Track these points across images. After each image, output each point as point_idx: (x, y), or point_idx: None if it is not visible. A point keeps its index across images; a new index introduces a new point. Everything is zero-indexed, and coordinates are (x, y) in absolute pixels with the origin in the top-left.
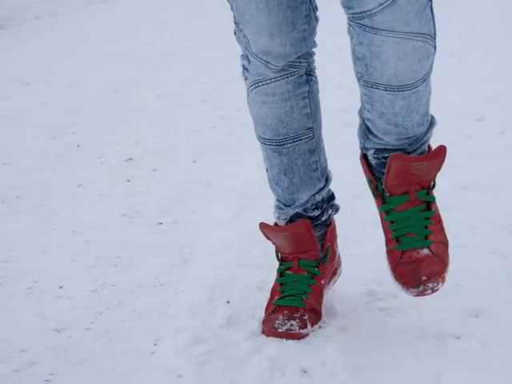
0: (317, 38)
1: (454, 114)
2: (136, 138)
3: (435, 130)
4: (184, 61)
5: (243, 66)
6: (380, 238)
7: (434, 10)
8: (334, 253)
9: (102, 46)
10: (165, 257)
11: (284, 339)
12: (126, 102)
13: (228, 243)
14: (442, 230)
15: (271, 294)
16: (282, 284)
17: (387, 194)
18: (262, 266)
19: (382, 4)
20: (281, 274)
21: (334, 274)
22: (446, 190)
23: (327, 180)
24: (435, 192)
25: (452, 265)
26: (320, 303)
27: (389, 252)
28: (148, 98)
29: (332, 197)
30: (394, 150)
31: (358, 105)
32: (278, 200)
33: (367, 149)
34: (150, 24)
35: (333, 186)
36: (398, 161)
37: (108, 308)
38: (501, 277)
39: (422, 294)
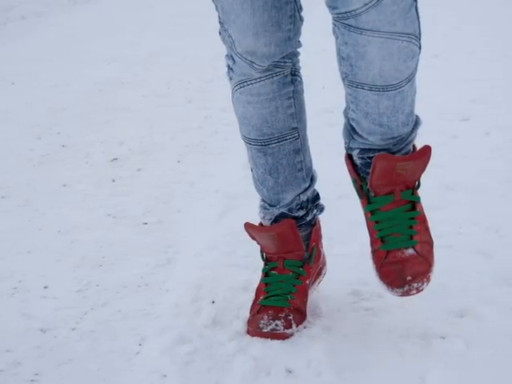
0: (302, 38)
1: (439, 114)
2: (121, 137)
3: (420, 130)
4: (169, 61)
5: (228, 66)
6: (365, 238)
7: (419, 10)
8: (319, 253)
9: (87, 46)
10: (150, 257)
11: (269, 339)
12: (112, 101)
13: (213, 243)
14: (426, 230)
15: (256, 294)
16: (266, 284)
17: (372, 194)
18: (246, 266)
19: (366, 4)
20: (266, 274)
21: (319, 274)
22: (431, 190)
23: (312, 180)
24: (420, 192)
25: (437, 265)
26: (305, 303)
27: (374, 252)
28: (133, 98)
29: (317, 197)
30: (379, 150)
31: (343, 105)
32: (262, 200)
33: (352, 149)
34: (135, 24)
35: (318, 186)
36: (383, 161)
37: (93, 308)
38: (486, 277)
39: (406, 294)
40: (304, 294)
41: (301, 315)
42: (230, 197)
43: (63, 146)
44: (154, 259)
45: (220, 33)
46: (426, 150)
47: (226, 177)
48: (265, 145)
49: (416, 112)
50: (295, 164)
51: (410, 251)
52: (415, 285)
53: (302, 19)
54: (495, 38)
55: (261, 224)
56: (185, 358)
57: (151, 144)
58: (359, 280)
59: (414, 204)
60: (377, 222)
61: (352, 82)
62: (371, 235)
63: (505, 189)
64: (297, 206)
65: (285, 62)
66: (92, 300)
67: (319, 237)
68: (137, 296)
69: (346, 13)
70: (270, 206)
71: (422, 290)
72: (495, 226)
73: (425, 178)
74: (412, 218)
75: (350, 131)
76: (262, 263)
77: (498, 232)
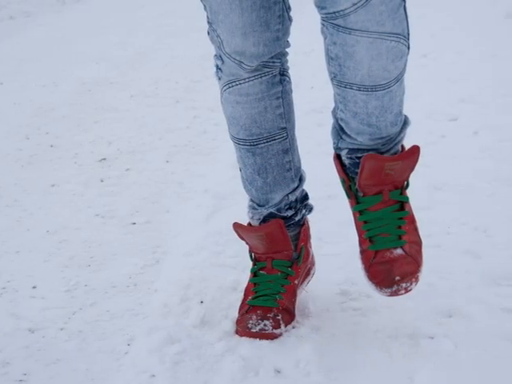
0: (290, 38)
1: (428, 114)
2: (109, 137)
3: (409, 130)
4: (157, 61)
5: (217, 66)
6: (354, 238)
7: (408, 10)
8: (308, 253)
9: (75, 46)
10: (138, 257)
11: (257, 339)
12: (100, 102)
13: (201, 243)
14: (415, 230)
15: (245, 294)
16: (255, 284)
17: (361, 194)
18: (235, 266)
19: (355, 4)
20: (254, 274)
21: (308, 274)
22: (419, 190)
23: (301, 180)
24: (409, 192)
25: (425, 265)
26: (293, 303)
27: (362, 252)
28: (122, 98)
29: (306, 197)
30: (368, 150)
31: (332, 105)
32: (251, 200)
33: (341, 149)
34: (124, 24)
35: (306, 186)
36: (372, 161)
37: (81, 308)
38: (474, 277)
39: (395, 294)
40: (293, 294)
41: (289, 315)
42: (219, 197)
43: (52, 146)
44: (143, 259)
45: (208, 33)
46: (415, 150)
47: (215, 177)
48: (253, 145)
49: (405, 112)
50: (284, 164)
51: (399, 251)
52: (404, 285)
53: (290, 19)
54: (484, 38)
55: (249, 224)
56: (173, 358)
57: (140, 144)
58: (348, 280)
59: (402, 204)
60: (365, 222)
61: (340, 82)
62: (360, 235)
63: (493, 189)
64: (285, 206)
65: (273, 62)
66: (80, 300)
67: (308, 237)
68: (125, 296)
69: (334, 13)
70: (259, 205)
71: (410, 290)
72: (483, 226)
73: (413, 178)
74: (400, 218)
75: (339, 131)
76: (250, 263)
77: (486, 232)
